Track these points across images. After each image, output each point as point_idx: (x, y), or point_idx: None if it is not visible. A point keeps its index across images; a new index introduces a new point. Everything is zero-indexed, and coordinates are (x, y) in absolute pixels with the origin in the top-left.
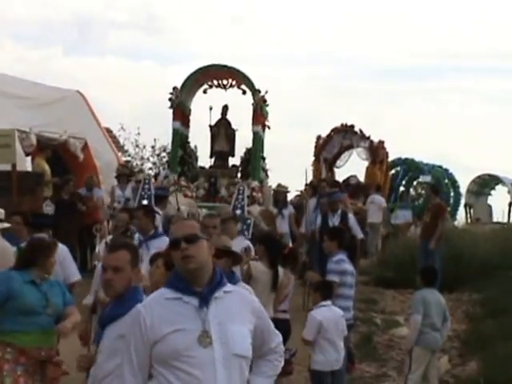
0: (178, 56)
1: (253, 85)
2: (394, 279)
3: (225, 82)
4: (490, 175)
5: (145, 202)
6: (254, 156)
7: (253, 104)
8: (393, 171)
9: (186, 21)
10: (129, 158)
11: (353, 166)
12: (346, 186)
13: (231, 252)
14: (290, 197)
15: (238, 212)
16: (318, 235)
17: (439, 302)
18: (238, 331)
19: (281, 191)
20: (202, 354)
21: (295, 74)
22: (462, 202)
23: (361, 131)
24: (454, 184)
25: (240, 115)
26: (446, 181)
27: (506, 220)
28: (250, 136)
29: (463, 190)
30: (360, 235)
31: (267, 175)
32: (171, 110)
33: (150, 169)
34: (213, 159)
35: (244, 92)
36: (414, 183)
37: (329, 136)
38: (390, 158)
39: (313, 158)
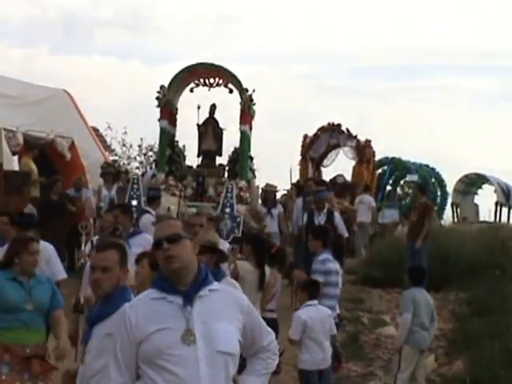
0: (164, 55)
1: (240, 84)
2: (380, 278)
3: (211, 80)
4: (476, 174)
5: (134, 203)
6: (242, 155)
7: (240, 103)
8: (380, 170)
9: (172, 20)
10: (116, 158)
11: (340, 165)
12: (332, 185)
13: (215, 249)
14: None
15: (228, 210)
16: (304, 233)
17: (428, 301)
18: (223, 329)
19: (270, 190)
20: (186, 352)
21: (282, 73)
22: (449, 201)
23: (348, 130)
24: (441, 183)
25: (227, 114)
26: (433, 180)
27: (492, 219)
28: (238, 135)
29: (450, 189)
30: (345, 234)
31: (254, 175)
32: (158, 109)
33: (137, 168)
34: (200, 158)
35: (231, 91)
36: (401, 182)
37: (316, 135)
38: (377, 157)
39: (299, 157)
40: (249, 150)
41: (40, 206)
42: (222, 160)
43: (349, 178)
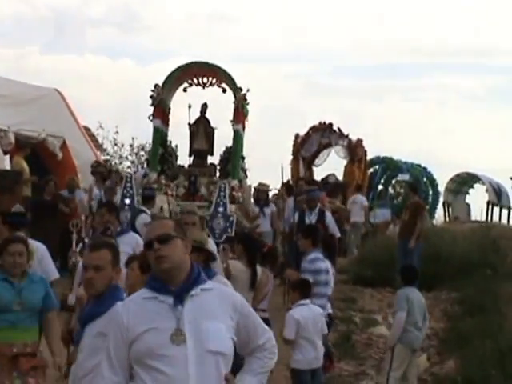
0: (156, 54)
1: (234, 83)
2: (372, 278)
3: (205, 80)
4: (468, 174)
5: (127, 201)
6: (234, 155)
7: (234, 102)
8: (371, 170)
9: (164, 18)
10: (107, 157)
11: (331, 165)
12: (324, 185)
13: (201, 248)
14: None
15: (221, 209)
16: (295, 232)
17: (420, 300)
18: (214, 328)
19: (262, 189)
20: (175, 352)
21: (273, 72)
22: (441, 200)
23: (339, 129)
24: (433, 182)
25: (219, 114)
26: (425, 179)
27: (484, 218)
28: (229, 134)
29: (442, 188)
30: (337, 234)
31: (246, 175)
32: (151, 108)
33: (129, 167)
34: (192, 158)
35: (224, 90)
36: (393, 182)
37: (307, 134)
38: (369, 156)
39: (291, 157)
40: (241, 150)
41: (33, 206)
42: (213, 159)
43: (340, 177)
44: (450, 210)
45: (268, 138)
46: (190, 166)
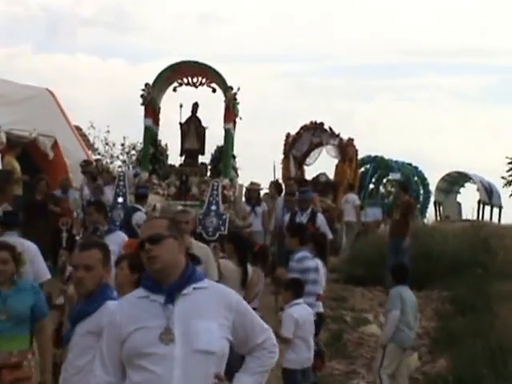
0: (147, 54)
1: (225, 82)
2: (363, 277)
3: (195, 79)
4: (459, 173)
5: (120, 200)
6: (226, 154)
7: (225, 101)
8: (362, 169)
9: (155, 18)
10: (98, 156)
11: (322, 164)
12: (315, 184)
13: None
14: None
15: (214, 208)
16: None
17: (412, 300)
18: (204, 327)
19: (254, 188)
20: (163, 350)
21: (264, 71)
22: (432, 199)
23: (330, 129)
24: (424, 182)
25: (210, 113)
26: (416, 178)
27: (475, 217)
28: (220, 134)
29: (433, 187)
30: (329, 236)
31: (237, 174)
32: (142, 107)
33: (120, 167)
34: (183, 157)
35: (214, 90)
36: (384, 181)
37: (298, 134)
38: (360, 155)
39: (282, 156)
40: (232, 149)
41: (24, 206)
42: (204, 159)
43: (331, 176)
44: (441, 209)
45: (259, 138)
46: (181, 165)
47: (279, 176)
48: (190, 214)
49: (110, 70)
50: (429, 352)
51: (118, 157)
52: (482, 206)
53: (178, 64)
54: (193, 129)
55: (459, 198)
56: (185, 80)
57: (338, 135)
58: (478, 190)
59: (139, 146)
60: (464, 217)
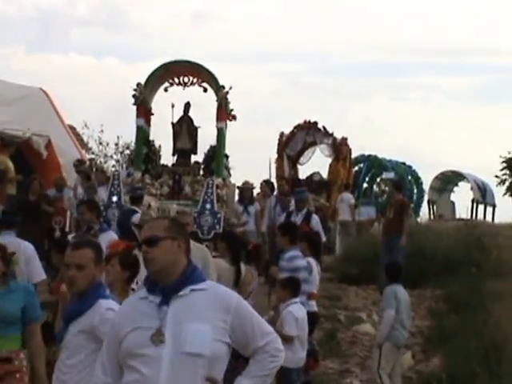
0: (141, 53)
1: (217, 81)
2: (357, 275)
3: (186, 79)
4: (452, 172)
5: (114, 199)
6: (218, 153)
7: (217, 100)
8: (356, 168)
9: (149, 18)
10: (92, 156)
11: (316, 163)
12: (309, 183)
13: None
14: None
15: (208, 206)
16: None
17: (406, 298)
18: (194, 329)
19: (247, 187)
20: (153, 352)
21: (258, 71)
22: (425, 198)
23: (324, 128)
24: (417, 181)
25: (202, 113)
26: (410, 177)
27: (469, 216)
28: (212, 134)
29: (426, 186)
30: (323, 238)
31: (229, 173)
32: (134, 107)
33: (113, 166)
34: (175, 157)
35: (205, 90)
36: (378, 180)
37: (292, 133)
38: (354, 154)
39: (276, 155)
40: (224, 148)
41: (17, 206)
42: (196, 158)
43: (325, 175)
44: (435, 207)
45: (253, 137)
46: (173, 164)
47: (272, 176)
48: (190, 215)
49: (104, 69)
50: (422, 351)
51: (111, 156)
52: (475, 204)
53: (170, 63)
54: (185, 128)
55: (453, 197)
56: (176, 80)
57: (331, 134)
58: (471, 188)
59: (133, 146)
60: (458, 216)
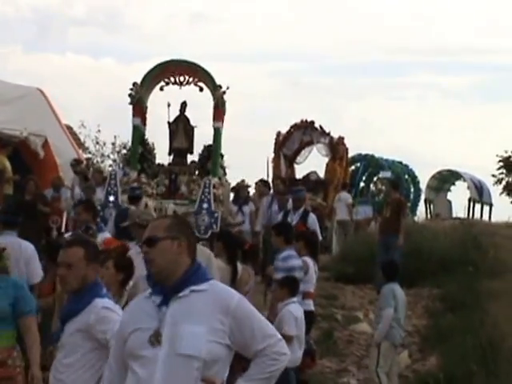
0: (138, 53)
1: (213, 80)
2: (354, 275)
3: (181, 78)
4: (449, 171)
5: (111, 198)
6: (215, 152)
7: (213, 100)
8: (353, 167)
9: (146, 18)
10: (89, 155)
11: (313, 162)
12: (305, 182)
13: None
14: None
15: (205, 206)
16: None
17: (403, 297)
18: (190, 331)
19: (242, 186)
20: (150, 353)
21: (255, 70)
22: (422, 197)
23: (321, 127)
24: (414, 180)
25: (198, 112)
26: (406, 176)
27: (465, 215)
28: (208, 133)
29: (423, 185)
30: (319, 237)
31: (225, 172)
32: (131, 107)
33: (110, 166)
34: (171, 156)
35: (201, 89)
36: (375, 179)
37: (289, 132)
38: (350, 153)
39: (273, 155)
40: (220, 148)
41: (14, 206)
42: (192, 158)
43: (322, 174)
44: (432, 207)
45: (250, 136)
46: (169, 164)
47: (269, 175)
48: (191, 216)
49: (101, 69)
50: (419, 350)
51: (108, 156)
52: (472, 203)
53: (166, 63)
54: (181, 128)
55: (450, 196)
56: (171, 79)
57: (328, 134)
58: (468, 187)
59: (130, 145)
60: (454, 215)
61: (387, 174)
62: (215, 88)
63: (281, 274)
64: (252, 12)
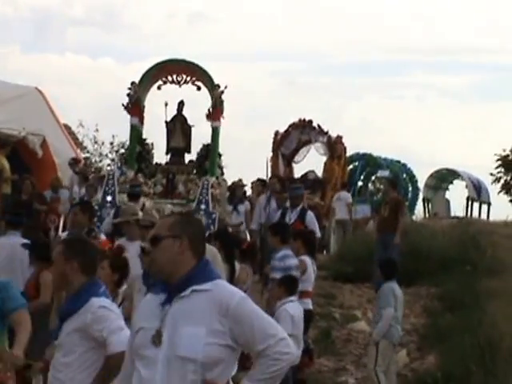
0: (136, 53)
1: (211, 80)
2: (352, 274)
3: (179, 78)
4: (447, 170)
5: (109, 198)
6: (213, 152)
7: (211, 99)
8: (351, 166)
9: (144, 18)
10: (87, 155)
11: (311, 162)
12: (303, 181)
13: None
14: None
15: (203, 207)
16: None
17: (401, 295)
18: (188, 333)
19: (238, 185)
20: (152, 353)
21: (253, 70)
22: (420, 196)
23: (319, 126)
24: (412, 179)
25: (195, 111)
26: (404, 175)
27: (463, 214)
28: (205, 132)
29: (421, 184)
30: (317, 234)
31: (223, 172)
32: (128, 107)
33: (109, 165)
34: (169, 156)
35: (199, 88)
36: (373, 178)
37: (287, 131)
38: (348, 152)
39: (271, 154)
40: (218, 147)
41: (11, 206)
42: (190, 157)
43: (320, 173)
44: (430, 206)
45: (248, 136)
46: (167, 163)
47: (267, 175)
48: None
49: (99, 69)
50: (417, 349)
51: (106, 155)
52: (470, 202)
53: (164, 62)
54: (179, 127)
55: (448, 195)
56: (169, 78)
57: (326, 133)
58: (466, 186)
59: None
60: (453, 214)
61: (385, 173)
62: (213, 87)
63: (278, 273)
64: (250, 12)
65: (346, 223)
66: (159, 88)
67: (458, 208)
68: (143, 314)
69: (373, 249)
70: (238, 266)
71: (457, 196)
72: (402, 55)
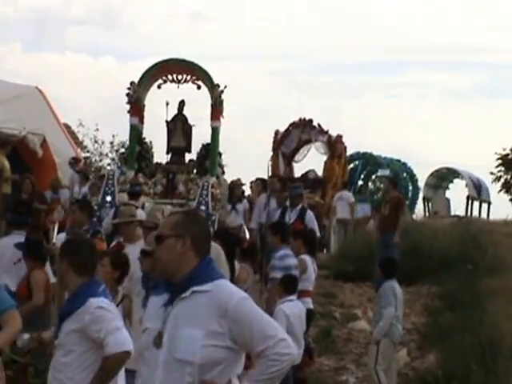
0: (136, 52)
1: (211, 79)
2: (352, 273)
3: (179, 77)
4: (447, 169)
5: (108, 199)
6: (213, 151)
7: (211, 99)
8: (351, 165)
9: (145, 17)
10: (87, 154)
11: (311, 161)
12: (304, 181)
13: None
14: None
15: (203, 208)
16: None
17: (401, 294)
18: (186, 335)
19: (237, 184)
20: (154, 355)
21: (254, 69)
22: (421, 195)
23: (319, 125)
24: (413, 178)
25: (196, 111)
26: (405, 175)
27: (464, 213)
28: (205, 132)
29: (421, 183)
30: (317, 233)
31: (223, 171)
32: (128, 106)
33: (109, 164)
34: (169, 155)
35: (199, 87)
36: (373, 177)
37: (287, 130)
38: (349, 152)
39: (271, 153)
40: (218, 147)
41: (11, 205)
42: (190, 157)
43: (320, 173)
44: (430, 205)
45: (248, 135)
46: (167, 163)
47: (267, 174)
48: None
49: (100, 68)
50: (418, 347)
51: (106, 154)
52: (470, 201)
53: (164, 61)
54: (179, 126)
55: (448, 194)
56: (169, 77)
57: (326, 132)
58: (466, 185)
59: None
60: (453, 213)
61: (385, 172)
62: (213, 87)
63: (277, 272)
64: (250, 12)
65: (348, 223)
66: (159, 87)
67: (458, 207)
68: (149, 313)
69: (373, 248)
70: (237, 265)
71: (457, 195)
72: (402, 55)
